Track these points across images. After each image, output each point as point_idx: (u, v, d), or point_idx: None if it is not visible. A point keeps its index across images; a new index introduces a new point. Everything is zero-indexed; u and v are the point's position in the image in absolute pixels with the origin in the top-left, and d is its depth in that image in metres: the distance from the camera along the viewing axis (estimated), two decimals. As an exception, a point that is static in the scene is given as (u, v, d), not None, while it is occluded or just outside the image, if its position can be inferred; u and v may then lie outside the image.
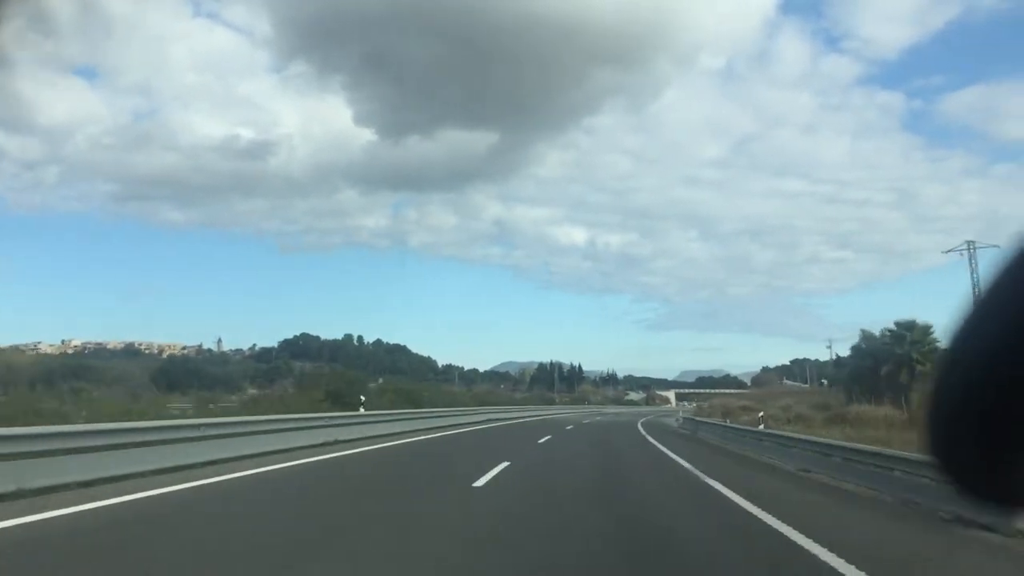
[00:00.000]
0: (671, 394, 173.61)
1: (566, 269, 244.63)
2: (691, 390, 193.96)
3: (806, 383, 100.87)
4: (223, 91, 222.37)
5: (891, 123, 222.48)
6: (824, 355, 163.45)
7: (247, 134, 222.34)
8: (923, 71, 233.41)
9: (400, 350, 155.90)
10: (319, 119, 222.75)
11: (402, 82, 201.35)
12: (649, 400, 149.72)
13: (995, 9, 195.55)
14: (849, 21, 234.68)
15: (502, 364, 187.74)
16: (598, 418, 53.41)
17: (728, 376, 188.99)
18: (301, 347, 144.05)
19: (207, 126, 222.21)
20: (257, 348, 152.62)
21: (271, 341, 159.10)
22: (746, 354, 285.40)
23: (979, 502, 0.88)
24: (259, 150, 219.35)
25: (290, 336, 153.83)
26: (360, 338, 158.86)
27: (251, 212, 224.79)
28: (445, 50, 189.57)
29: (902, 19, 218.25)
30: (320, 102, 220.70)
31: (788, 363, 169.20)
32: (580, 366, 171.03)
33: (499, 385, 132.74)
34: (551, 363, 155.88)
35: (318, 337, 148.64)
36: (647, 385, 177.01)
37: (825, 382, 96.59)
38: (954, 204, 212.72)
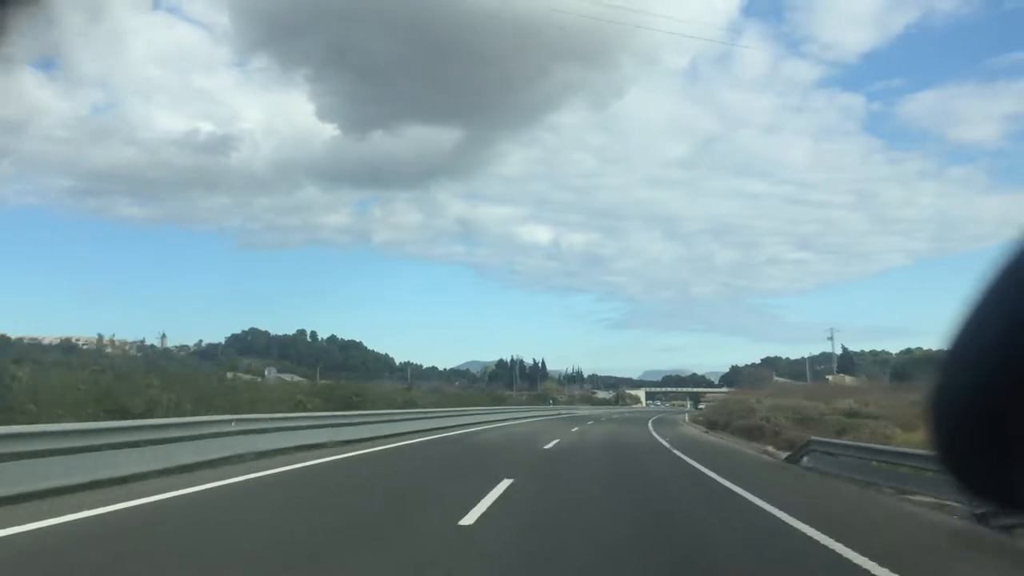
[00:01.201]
0: (641, 393, 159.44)
1: (530, 268, 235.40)
2: (660, 389, 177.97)
3: (806, 380, 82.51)
4: (184, 85, 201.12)
5: (852, 125, 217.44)
6: (795, 353, 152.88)
7: (208, 128, 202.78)
8: (883, 74, 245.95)
9: (355, 346, 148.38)
10: (282, 114, 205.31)
11: (366, 77, 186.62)
12: (619, 399, 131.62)
13: (952, 14, 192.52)
14: (810, 24, 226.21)
15: (466, 363, 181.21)
16: (575, 430, 30.17)
17: (695, 375, 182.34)
18: (249, 343, 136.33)
19: (167, 120, 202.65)
20: (204, 344, 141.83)
21: (220, 337, 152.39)
22: (707, 354, 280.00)
23: (984, 502, 0.89)
24: (220, 145, 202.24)
25: (239, 331, 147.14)
26: (314, 334, 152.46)
27: (212, 208, 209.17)
28: (408, 45, 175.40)
29: (862, 22, 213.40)
30: (283, 96, 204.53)
31: (759, 361, 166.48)
32: (543, 362, 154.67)
33: (454, 383, 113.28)
34: (512, 359, 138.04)
35: (267, 332, 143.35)
36: (615, 384, 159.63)
37: (830, 378, 78.00)
38: (912, 206, 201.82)
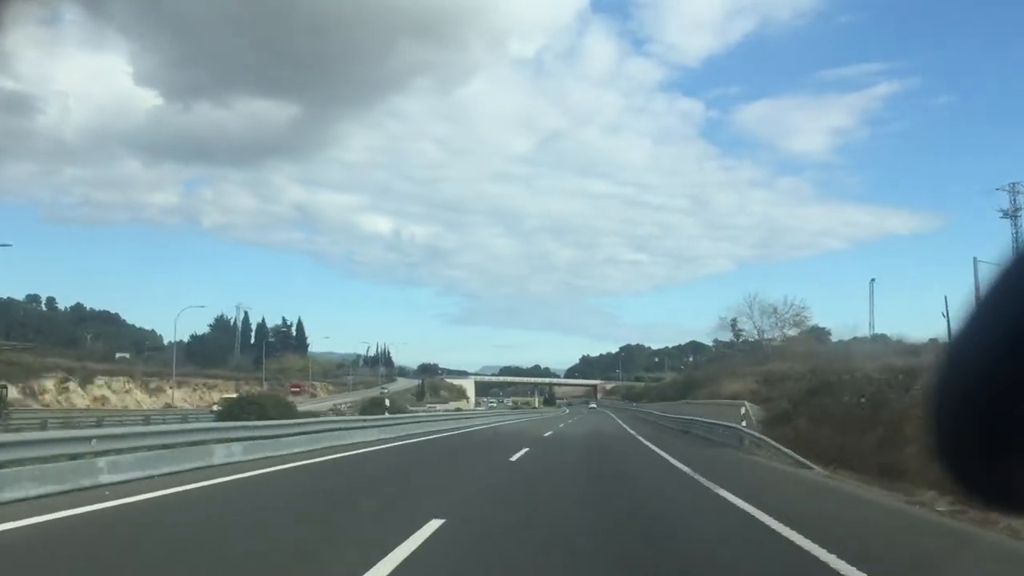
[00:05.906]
0: (469, 384, 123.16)
1: (371, 259, 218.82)
2: (497, 378, 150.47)
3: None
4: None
5: (689, 130, 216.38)
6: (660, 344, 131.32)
7: (8, 86, 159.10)
8: (721, 81, 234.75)
9: (104, 318, 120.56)
10: (96, 76, 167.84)
11: (190, 39, 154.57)
12: (423, 395, 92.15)
13: (787, 25, 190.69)
14: (654, 25, 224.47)
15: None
16: None
17: (538, 367, 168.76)
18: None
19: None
20: None
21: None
22: (546, 352, 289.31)
23: (984, 503, 0.87)
24: (21, 106, 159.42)
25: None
26: (51, 300, 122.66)
27: (13, 178, 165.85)
28: (239, 5, 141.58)
29: (704, 27, 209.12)
30: (97, 57, 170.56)
31: (615, 351, 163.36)
32: (300, 323, 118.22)
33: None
34: (238, 312, 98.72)
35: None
36: (432, 371, 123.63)
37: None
38: (742, 213, 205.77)
